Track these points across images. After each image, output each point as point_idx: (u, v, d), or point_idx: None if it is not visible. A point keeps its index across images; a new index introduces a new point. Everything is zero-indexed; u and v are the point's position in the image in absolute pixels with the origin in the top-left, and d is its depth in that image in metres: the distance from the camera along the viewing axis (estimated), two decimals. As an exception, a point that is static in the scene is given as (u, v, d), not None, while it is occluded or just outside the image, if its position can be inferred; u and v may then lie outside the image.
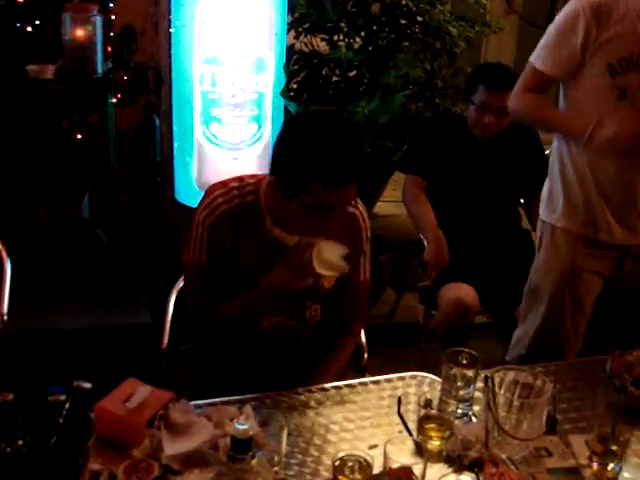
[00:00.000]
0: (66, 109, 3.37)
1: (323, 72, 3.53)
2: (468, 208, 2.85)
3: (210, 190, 1.80)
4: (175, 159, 3.31)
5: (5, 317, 2.17)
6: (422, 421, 1.52)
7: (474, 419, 1.62)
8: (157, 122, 3.56)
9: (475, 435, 1.50)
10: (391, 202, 4.48)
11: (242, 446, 1.22)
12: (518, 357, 2.38)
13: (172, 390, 1.56)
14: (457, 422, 1.56)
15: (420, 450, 1.44)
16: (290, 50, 3.39)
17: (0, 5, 3.17)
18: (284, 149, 1.66)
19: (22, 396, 1.41)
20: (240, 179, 1.80)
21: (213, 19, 2.98)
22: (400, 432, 1.58)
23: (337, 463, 1.35)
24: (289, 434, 1.46)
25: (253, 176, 1.83)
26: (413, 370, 1.83)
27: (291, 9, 3.31)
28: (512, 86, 2.28)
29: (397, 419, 1.63)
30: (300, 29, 3.51)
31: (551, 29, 2.14)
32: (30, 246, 3.23)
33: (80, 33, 3.10)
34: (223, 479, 1.25)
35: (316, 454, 1.51)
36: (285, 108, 3.30)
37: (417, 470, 1.34)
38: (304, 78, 3.53)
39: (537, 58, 2.17)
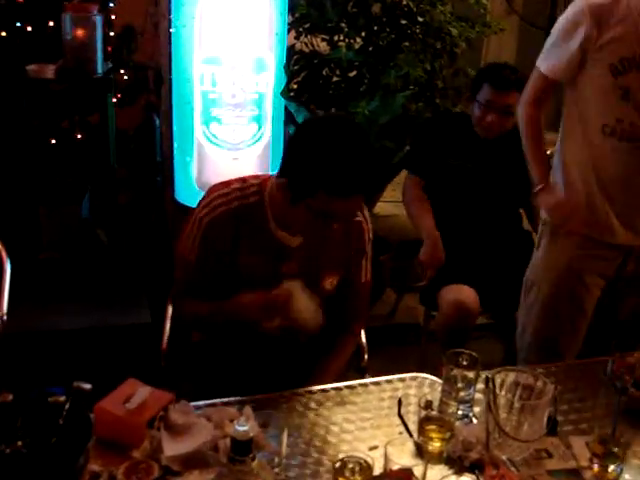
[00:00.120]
0: (66, 109, 3.36)
1: (323, 72, 3.53)
2: (469, 208, 2.85)
3: (211, 190, 1.80)
4: (175, 159, 3.30)
5: (5, 317, 2.16)
6: (423, 422, 1.52)
7: (475, 420, 1.62)
8: (157, 122, 3.56)
9: (476, 436, 1.50)
10: (391, 202, 4.48)
11: (242, 448, 1.22)
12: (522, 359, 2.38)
13: (172, 391, 1.56)
14: (458, 423, 1.56)
15: (421, 451, 1.44)
16: (290, 50, 3.39)
17: (0, 4, 3.16)
18: (297, 153, 1.66)
19: (22, 397, 1.41)
20: (243, 180, 1.80)
21: (213, 19, 2.98)
22: (400, 433, 1.58)
23: (337, 464, 1.34)
24: (289, 435, 1.46)
25: (256, 177, 1.83)
26: (413, 371, 1.83)
27: (291, 9, 3.31)
28: (517, 86, 2.28)
29: (397, 420, 1.62)
30: (300, 29, 3.51)
31: (554, 32, 2.16)
32: (30, 246, 3.22)
33: (80, 33, 3.09)
34: (223, 480, 1.25)
35: (316, 455, 1.51)
36: (285, 108, 3.30)
37: (418, 471, 1.34)
38: (304, 78, 3.53)
39: (541, 61, 2.18)
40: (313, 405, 1.68)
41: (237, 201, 1.75)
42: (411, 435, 1.56)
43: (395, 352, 3.03)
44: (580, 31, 2.05)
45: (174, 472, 1.39)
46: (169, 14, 3.12)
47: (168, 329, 2.06)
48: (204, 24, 2.99)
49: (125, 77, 3.47)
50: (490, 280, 2.76)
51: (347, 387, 1.75)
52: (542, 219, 2.36)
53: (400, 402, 1.65)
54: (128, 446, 1.42)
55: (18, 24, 3.19)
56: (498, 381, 1.50)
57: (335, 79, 3.55)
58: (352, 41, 3.44)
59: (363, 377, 1.97)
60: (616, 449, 1.44)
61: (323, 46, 3.56)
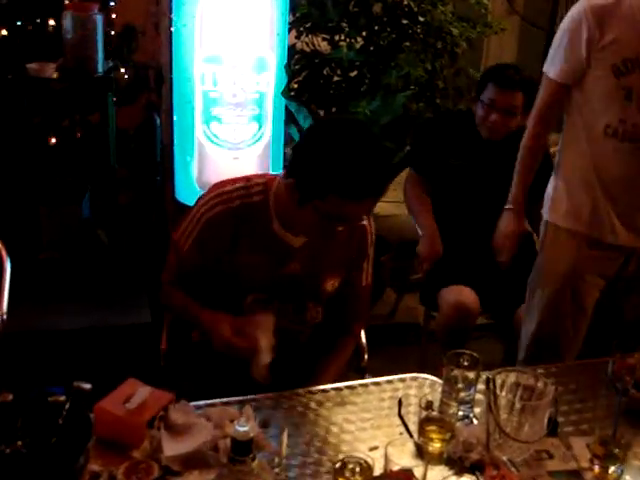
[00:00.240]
0: (66, 108, 3.36)
1: (324, 72, 3.52)
2: (469, 209, 2.84)
3: (215, 186, 1.80)
4: (175, 159, 3.30)
5: (5, 317, 2.16)
6: (423, 423, 1.52)
7: (475, 421, 1.61)
8: (158, 121, 3.55)
9: (476, 437, 1.50)
10: (391, 202, 4.46)
11: (242, 448, 1.22)
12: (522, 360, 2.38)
13: (172, 391, 1.55)
14: (458, 424, 1.56)
15: (421, 452, 1.44)
16: (291, 50, 3.39)
17: (1, 3, 3.16)
18: (307, 155, 1.64)
19: (22, 396, 1.41)
20: (247, 179, 1.79)
21: (214, 18, 2.98)
22: (401, 434, 1.58)
23: (338, 465, 1.34)
24: (289, 435, 1.45)
25: (262, 176, 1.82)
26: (413, 371, 1.83)
27: (292, 9, 3.31)
28: (521, 86, 2.26)
29: (398, 421, 1.62)
30: (301, 29, 3.50)
31: (557, 35, 2.15)
32: (30, 246, 3.22)
33: (81, 32, 3.09)
34: (223, 481, 1.24)
35: (316, 456, 1.50)
36: (286, 108, 3.30)
37: (418, 472, 1.34)
38: (305, 78, 3.53)
39: (548, 66, 2.18)
40: (313, 405, 1.68)
41: (239, 200, 1.75)
42: (411, 436, 1.56)
43: (395, 352, 3.03)
44: (583, 32, 2.04)
45: (174, 472, 1.38)
46: (170, 13, 3.12)
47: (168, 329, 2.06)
48: (205, 23, 2.99)
49: (126, 76, 3.47)
50: (490, 280, 2.75)
51: (347, 387, 1.75)
52: (543, 220, 2.35)
53: (400, 402, 1.65)
54: (128, 446, 1.42)
55: (19, 23, 3.19)
56: (499, 382, 1.49)
57: (336, 79, 3.55)
58: (353, 41, 3.44)
59: (363, 377, 1.96)
60: (617, 450, 1.44)
61: (324, 46, 3.56)
